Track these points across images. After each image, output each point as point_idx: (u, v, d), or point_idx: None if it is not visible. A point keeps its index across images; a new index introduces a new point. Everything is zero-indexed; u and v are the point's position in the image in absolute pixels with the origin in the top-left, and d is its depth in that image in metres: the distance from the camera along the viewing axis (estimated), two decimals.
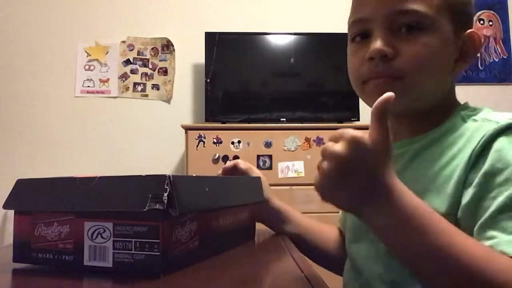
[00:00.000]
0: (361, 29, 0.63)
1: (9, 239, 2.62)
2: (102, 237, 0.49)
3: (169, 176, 0.46)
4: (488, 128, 0.54)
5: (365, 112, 2.34)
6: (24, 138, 2.43)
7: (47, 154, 2.41)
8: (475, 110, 0.61)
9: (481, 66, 2.69)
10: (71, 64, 2.49)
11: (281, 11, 2.59)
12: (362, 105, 2.47)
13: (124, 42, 2.51)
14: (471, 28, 0.63)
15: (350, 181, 0.47)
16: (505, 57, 2.71)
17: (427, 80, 0.59)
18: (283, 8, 2.60)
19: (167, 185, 0.45)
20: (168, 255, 0.47)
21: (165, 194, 0.45)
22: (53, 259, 0.52)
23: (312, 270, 0.53)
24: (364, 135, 0.47)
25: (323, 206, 0.78)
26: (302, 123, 2.25)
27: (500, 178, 0.50)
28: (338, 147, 0.46)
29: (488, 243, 0.48)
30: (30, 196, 0.56)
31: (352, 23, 0.65)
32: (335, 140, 0.47)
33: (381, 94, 0.60)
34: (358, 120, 2.33)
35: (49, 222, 0.52)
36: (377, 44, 0.59)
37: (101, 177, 0.50)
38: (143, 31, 2.52)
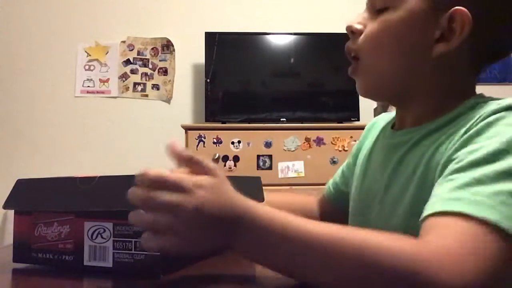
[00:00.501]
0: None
1: (9, 239, 2.62)
2: (102, 237, 0.49)
3: None
4: (488, 109, 0.51)
5: (365, 112, 2.34)
6: (24, 138, 2.43)
7: (47, 154, 2.41)
8: (489, 98, 0.57)
9: (482, 68, 2.69)
10: (71, 64, 2.49)
11: (281, 11, 2.59)
12: (362, 105, 2.48)
13: (124, 42, 2.51)
14: (466, 5, 0.54)
15: (215, 230, 0.42)
16: None
17: (381, 60, 0.59)
18: (283, 8, 2.60)
19: None
20: (168, 255, 0.46)
21: None
22: (53, 259, 0.52)
23: None
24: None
25: None
26: (302, 123, 2.25)
27: (470, 148, 0.47)
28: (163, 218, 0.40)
29: (430, 201, 0.45)
30: (30, 196, 0.56)
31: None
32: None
33: (355, 81, 0.63)
34: (358, 120, 2.33)
35: (49, 222, 0.52)
36: (350, 20, 0.61)
37: (101, 177, 0.50)
38: (143, 31, 2.52)
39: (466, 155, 0.47)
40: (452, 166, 0.47)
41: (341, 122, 2.29)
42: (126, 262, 0.47)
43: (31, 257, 0.53)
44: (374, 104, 2.29)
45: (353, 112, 2.34)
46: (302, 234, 0.41)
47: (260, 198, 0.72)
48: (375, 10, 0.59)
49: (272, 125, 2.20)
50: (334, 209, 0.79)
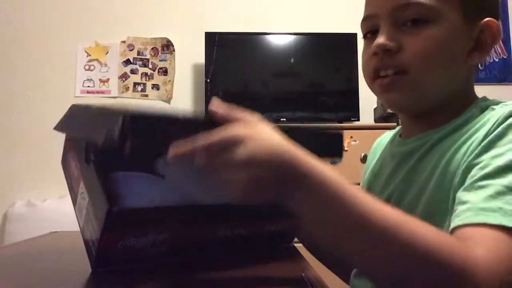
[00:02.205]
0: (370, 25, 0.63)
1: (9, 239, 2.61)
2: None
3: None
4: (503, 111, 0.53)
5: (365, 112, 2.34)
6: (24, 138, 2.43)
7: (47, 154, 2.41)
8: (495, 101, 0.59)
9: (481, 66, 2.69)
10: (71, 64, 2.49)
11: (281, 11, 2.59)
12: (362, 105, 2.48)
13: (124, 42, 2.51)
14: (491, 16, 0.59)
15: (269, 178, 0.41)
16: (505, 57, 2.71)
17: (432, 74, 0.58)
18: (283, 8, 2.60)
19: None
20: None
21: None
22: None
23: (312, 270, 0.53)
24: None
25: None
26: (302, 123, 2.25)
27: (494, 152, 0.49)
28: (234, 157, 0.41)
29: (460, 208, 0.46)
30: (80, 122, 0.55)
31: (363, 20, 0.65)
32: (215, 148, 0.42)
33: (386, 93, 0.61)
34: (358, 120, 2.33)
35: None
36: (381, 38, 0.59)
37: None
38: (143, 31, 2.52)
39: (491, 160, 0.48)
40: (477, 172, 0.49)
41: (341, 122, 2.29)
42: None
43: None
44: (374, 104, 2.29)
45: (353, 112, 2.34)
46: (363, 210, 0.41)
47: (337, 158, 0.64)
48: (401, 22, 0.59)
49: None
50: None
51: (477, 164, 0.50)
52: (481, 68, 2.70)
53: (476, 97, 0.63)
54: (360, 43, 0.67)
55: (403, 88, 0.60)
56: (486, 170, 0.47)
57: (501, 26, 0.57)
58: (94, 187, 0.50)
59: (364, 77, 0.66)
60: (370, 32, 0.63)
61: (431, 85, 0.59)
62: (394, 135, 0.72)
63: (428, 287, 0.40)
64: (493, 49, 2.84)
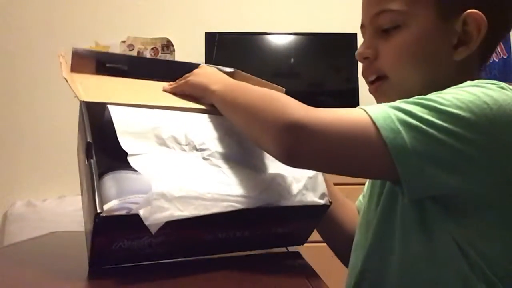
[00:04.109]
0: (363, 34, 0.67)
1: (9, 239, 2.61)
2: None
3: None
4: None
5: None
6: (25, 138, 2.43)
7: (48, 154, 2.41)
8: None
9: (486, 63, 2.69)
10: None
11: (281, 11, 2.59)
12: (362, 105, 2.46)
13: (124, 42, 2.51)
14: (476, 7, 0.57)
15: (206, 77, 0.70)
16: (505, 57, 2.71)
17: (409, 75, 0.60)
18: (283, 8, 2.60)
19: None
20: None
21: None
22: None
23: (312, 270, 0.53)
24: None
25: None
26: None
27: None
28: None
29: None
30: None
31: (360, 29, 0.68)
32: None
33: (377, 98, 0.65)
34: None
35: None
36: (360, 48, 0.64)
37: None
38: (143, 31, 2.52)
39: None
40: None
41: None
42: None
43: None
44: (374, 104, 2.28)
45: None
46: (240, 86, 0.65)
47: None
48: (381, 30, 0.61)
49: None
50: None
51: None
52: (481, 68, 2.70)
53: None
54: (360, 43, 0.68)
55: (387, 92, 0.63)
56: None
57: (484, 16, 0.56)
58: (89, 188, 0.50)
59: None
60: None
61: (412, 86, 0.60)
62: None
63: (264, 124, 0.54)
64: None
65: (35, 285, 0.49)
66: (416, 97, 0.51)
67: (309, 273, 0.51)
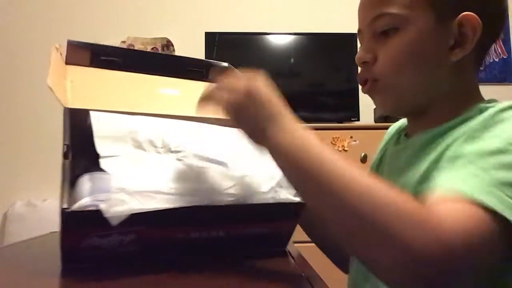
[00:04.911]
0: (360, 39, 0.67)
1: (9, 239, 2.61)
2: None
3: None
4: (495, 109, 0.53)
5: (365, 112, 2.34)
6: (24, 138, 2.43)
7: (47, 154, 2.41)
8: (498, 104, 0.58)
9: (481, 66, 2.69)
10: None
11: (281, 11, 2.59)
12: (362, 105, 2.48)
13: (124, 42, 2.51)
14: (471, 10, 0.58)
15: (253, 110, 0.51)
16: (505, 57, 2.71)
17: (404, 77, 0.60)
18: (283, 8, 2.60)
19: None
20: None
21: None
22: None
23: (312, 270, 0.53)
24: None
25: None
26: (302, 123, 2.25)
27: (474, 140, 0.50)
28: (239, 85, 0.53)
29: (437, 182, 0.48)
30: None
31: (357, 34, 0.68)
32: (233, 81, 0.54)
33: (373, 99, 0.65)
34: (358, 120, 2.33)
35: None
36: (359, 52, 0.63)
37: None
38: (143, 31, 2.52)
39: (469, 145, 0.50)
40: (454, 151, 0.51)
41: (341, 122, 2.29)
42: None
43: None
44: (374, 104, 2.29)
45: (353, 112, 2.34)
46: (320, 156, 0.46)
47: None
48: (377, 33, 0.61)
49: None
50: None
51: (455, 151, 0.51)
52: (481, 68, 2.70)
53: (479, 97, 0.63)
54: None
55: (379, 93, 0.63)
56: (462, 148, 0.50)
57: (479, 18, 0.57)
58: (61, 187, 0.51)
59: None
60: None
61: (407, 87, 0.61)
62: (399, 131, 0.74)
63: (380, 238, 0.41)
64: (492, 49, 2.85)
65: (35, 285, 0.49)
66: (496, 157, 0.47)
67: (309, 273, 0.51)
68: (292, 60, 2.44)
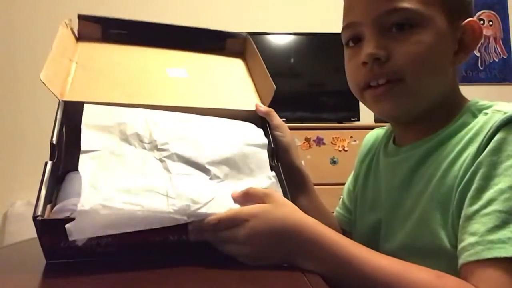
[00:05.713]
0: (352, 33, 0.61)
1: (9, 239, 2.60)
2: None
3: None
4: (496, 119, 0.51)
5: (365, 112, 2.34)
6: (24, 138, 2.43)
7: (47, 154, 2.41)
8: (486, 104, 0.58)
9: (481, 66, 2.69)
10: None
11: (281, 11, 2.60)
12: (362, 105, 2.47)
13: None
14: (470, 16, 0.59)
15: (272, 251, 0.51)
16: (505, 57, 2.71)
17: (427, 79, 0.57)
18: (283, 8, 2.60)
19: None
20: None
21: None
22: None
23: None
24: (252, 210, 0.52)
25: (328, 205, 0.78)
26: (302, 123, 2.25)
27: (489, 171, 0.49)
28: (242, 233, 0.51)
29: (468, 240, 0.48)
30: None
31: (344, 28, 0.62)
32: (233, 224, 0.51)
33: (378, 103, 0.60)
34: (358, 120, 2.33)
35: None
36: (369, 48, 0.57)
37: None
38: None
39: (490, 180, 0.48)
40: (478, 194, 0.49)
41: (341, 122, 2.29)
42: None
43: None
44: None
45: (353, 112, 2.34)
46: (368, 268, 0.48)
47: None
48: (386, 29, 0.57)
49: None
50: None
51: (476, 180, 0.50)
52: (481, 68, 2.70)
53: (464, 99, 0.62)
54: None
55: (398, 96, 0.58)
56: (488, 194, 0.48)
57: (481, 25, 0.58)
58: (40, 187, 0.51)
59: (352, 88, 0.65)
60: (352, 40, 0.62)
61: (426, 91, 0.58)
62: (388, 138, 0.71)
63: None
64: (492, 49, 2.85)
65: (35, 285, 0.49)
66: (505, 198, 0.47)
67: (309, 273, 0.51)
68: (292, 60, 2.44)
